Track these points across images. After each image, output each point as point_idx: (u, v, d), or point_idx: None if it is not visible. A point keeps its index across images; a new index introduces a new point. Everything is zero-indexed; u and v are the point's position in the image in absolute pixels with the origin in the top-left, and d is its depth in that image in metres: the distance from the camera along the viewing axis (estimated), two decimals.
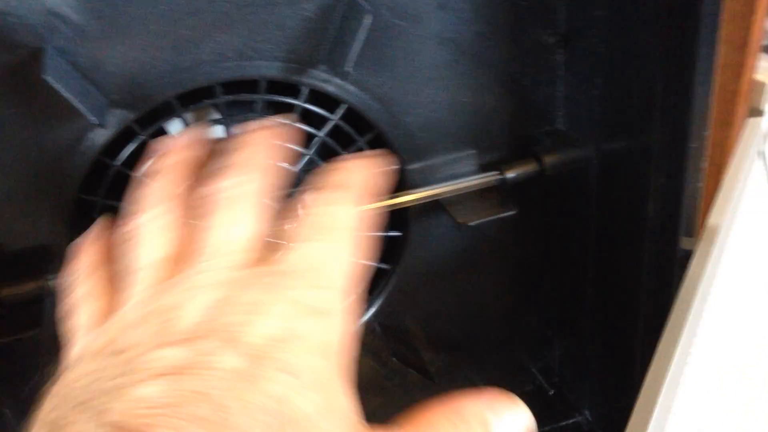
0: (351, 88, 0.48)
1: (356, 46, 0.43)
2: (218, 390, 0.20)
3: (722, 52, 0.78)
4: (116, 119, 0.44)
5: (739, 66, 0.77)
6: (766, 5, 0.74)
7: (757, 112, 0.81)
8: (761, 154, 0.58)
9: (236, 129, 0.39)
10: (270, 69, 0.45)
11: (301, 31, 0.45)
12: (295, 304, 0.24)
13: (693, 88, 0.42)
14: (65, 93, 0.38)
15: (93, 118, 0.40)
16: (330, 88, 0.47)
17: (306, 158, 0.50)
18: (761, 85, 0.79)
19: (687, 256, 0.48)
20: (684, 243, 0.48)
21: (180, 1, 0.41)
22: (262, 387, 0.21)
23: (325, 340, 0.24)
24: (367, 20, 0.42)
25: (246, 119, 0.50)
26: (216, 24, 0.43)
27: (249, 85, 0.47)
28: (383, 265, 0.57)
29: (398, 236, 0.56)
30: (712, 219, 0.50)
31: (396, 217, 0.55)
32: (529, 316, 0.64)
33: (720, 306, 0.47)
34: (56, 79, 0.39)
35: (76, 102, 0.39)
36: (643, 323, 0.54)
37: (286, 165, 0.33)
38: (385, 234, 0.55)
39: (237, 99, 0.47)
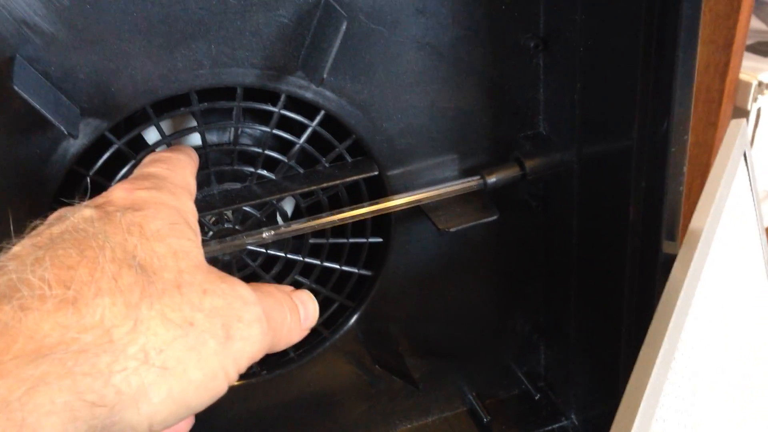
0: (329, 94, 0.47)
1: (332, 53, 0.42)
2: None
3: (706, 53, 0.78)
4: (90, 128, 0.43)
5: (724, 66, 0.77)
6: (750, 5, 0.74)
7: (742, 112, 0.81)
8: (745, 155, 0.58)
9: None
10: (246, 76, 0.45)
11: (277, 37, 0.44)
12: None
13: (673, 92, 0.42)
14: (35, 103, 0.38)
15: (64, 129, 0.39)
16: (308, 95, 0.47)
17: (285, 166, 0.50)
18: (747, 85, 0.79)
19: (670, 260, 0.48)
20: (666, 247, 0.48)
21: (152, 9, 0.41)
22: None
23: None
24: (343, 26, 0.42)
25: (223, 126, 0.50)
26: (190, 31, 0.42)
27: (226, 92, 0.46)
28: (365, 272, 0.56)
29: (380, 242, 0.55)
30: (695, 223, 0.49)
31: (377, 223, 0.55)
32: (514, 321, 0.63)
33: (703, 310, 0.46)
34: (25, 88, 0.38)
35: (46, 112, 0.38)
36: (626, 328, 0.53)
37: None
38: (366, 240, 0.55)
39: (214, 107, 0.47)
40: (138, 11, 0.41)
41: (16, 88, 0.37)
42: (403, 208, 0.52)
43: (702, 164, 0.83)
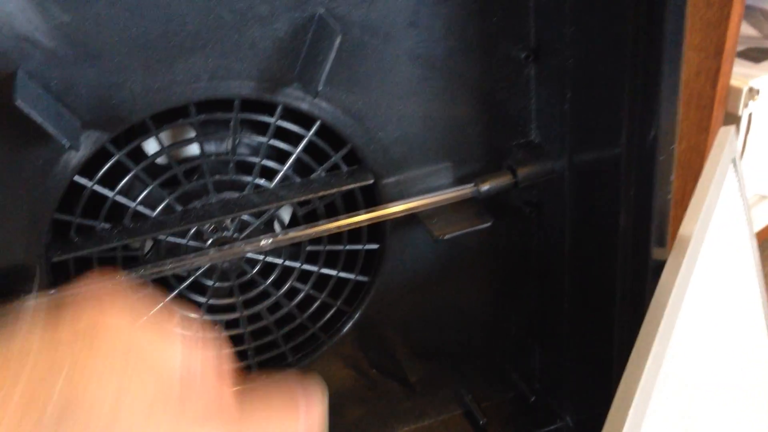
0: (324, 105, 0.48)
1: (327, 66, 0.43)
2: None
3: (698, 60, 0.79)
4: (90, 140, 0.44)
5: (715, 73, 0.78)
6: (740, 13, 0.75)
7: (734, 118, 0.82)
8: (734, 162, 0.59)
9: None
10: (243, 88, 0.46)
11: (273, 50, 0.45)
12: None
13: (659, 103, 0.43)
14: (36, 117, 0.39)
15: (65, 142, 0.40)
16: (303, 106, 0.48)
17: (281, 174, 0.51)
18: (738, 91, 0.80)
19: (660, 266, 0.49)
20: (656, 253, 0.49)
21: (151, 25, 0.42)
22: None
23: None
24: (337, 41, 0.43)
25: (221, 137, 0.51)
26: (188, 45, 0.43)
27: (224, 103, 0.47)
28: (361, 278, 0.57)
29: (376, 249, 0.56)
30: (684, 229, 0.50)
31: (373, 230, 0.56)
32: (509, 324, 0.64)
33: (693, 314, 0.47)
34: (27, 103, 0.39)
35: (47, 125, 0.39)
36: (618, 332, 0.54)
37: None
38: (362, 247, 0.56)
39: (212, 118, 0.48)
40: (137, 27, 0.42)
41: (18, 103, 0.38)
42: (398, 216, 0.53)
43: (695, 169, 0.84)
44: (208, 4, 0.42)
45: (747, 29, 0.87)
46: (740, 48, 0.84)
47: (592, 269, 0.54)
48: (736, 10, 0.74)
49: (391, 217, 0.52)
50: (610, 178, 0.49)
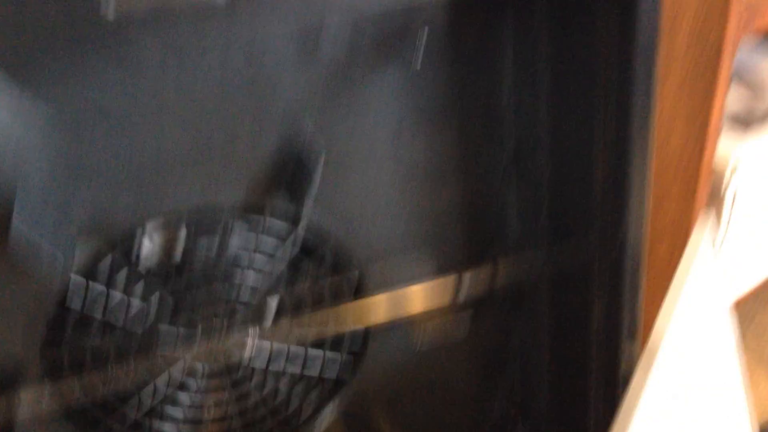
0: (310, 205, 0.50)
1: (314, 187, 0.46)
2: None
3: (684, 130, 0.80)
4: (85, 245, 0.46)
5: (701, 143, 0.79)
6: (726, 86, 0.77)
7: (719, 186, 0.83)
8: (713, 247, 0.60)
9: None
10: (232, 197, 0.48)
11: (261, 163, 0.47)
12: None
13: (628, 215, 0.45)
14: (34, 239, 0.41)
15: (60, 260, 0.42)
16: (290, 209, 0.50)
17: (269, 268, 0.53)
18: (724, 159, 0.81)
19: (633, 358, 0.51)
20: (628, 348, 0.51)
21: (144, 147, 0.44)
22: None
23: None
24: (322, 158, 0.45)
25: (212, 232, 0.53)
26: (179, 161, 0.45)
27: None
28: (347, 355, 0.59)
29: (360, 329, 0.58)
30: (659, 323, 0.52)
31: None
32: (492, 400, 0.66)
33: (665, 408, 0.48)
34: (25, 221, 0.41)
35: (44, 247, 0.41)
36: (594, 413, 0.56)
37: None
38: (348, 330, 0.58)
39: (202, 219, 0.50)
40: (131, 150, 0.44)
41: (15, 224, 0.41)
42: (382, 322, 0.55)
43: (683, 237, 0.85)
44: (199, 126, 0.44)
45: (735, 96, 0.88)
46: (728, 114, 0.86)
47: (569, 360, 0.56)
48: (722, 84, 0.76)
49: (375, 321, 0.55)
50: (583, 277, 0.50)
